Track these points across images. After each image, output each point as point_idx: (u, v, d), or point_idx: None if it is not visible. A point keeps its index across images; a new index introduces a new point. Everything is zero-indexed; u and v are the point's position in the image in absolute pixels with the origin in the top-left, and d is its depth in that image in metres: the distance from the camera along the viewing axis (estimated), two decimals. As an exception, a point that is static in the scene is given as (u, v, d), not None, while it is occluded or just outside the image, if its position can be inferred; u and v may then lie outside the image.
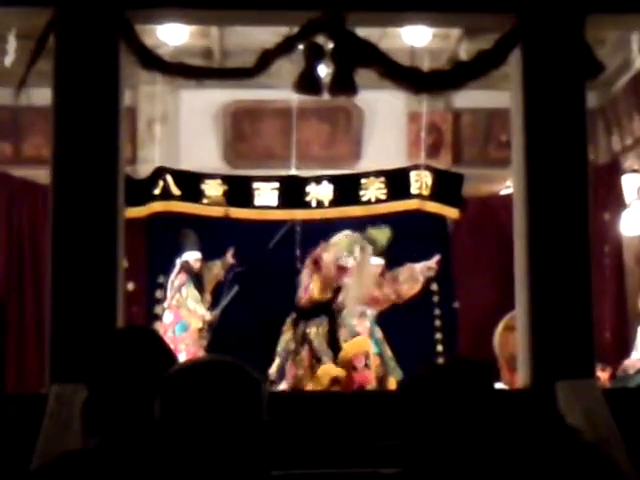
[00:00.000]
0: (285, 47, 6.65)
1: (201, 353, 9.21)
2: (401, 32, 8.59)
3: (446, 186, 10.03)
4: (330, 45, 6.68)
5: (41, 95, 6.96)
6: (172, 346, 2.50)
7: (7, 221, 10.14)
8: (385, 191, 10.06)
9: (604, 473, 2.24)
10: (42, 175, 8.19)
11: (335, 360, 9.13)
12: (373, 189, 10.06)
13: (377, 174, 10.10)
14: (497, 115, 10.06)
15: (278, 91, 8.95)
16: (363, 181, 10.10)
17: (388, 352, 9.52)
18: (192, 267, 9.82)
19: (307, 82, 6.73)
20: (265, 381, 8.69)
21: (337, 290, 9.56)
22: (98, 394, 2.23)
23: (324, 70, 6.85)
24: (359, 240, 9.64)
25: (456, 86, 7.09)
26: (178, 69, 6.97)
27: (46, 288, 6.93)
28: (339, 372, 8.82)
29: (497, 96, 8.97)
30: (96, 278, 6.44)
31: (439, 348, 10.15)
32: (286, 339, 9.47)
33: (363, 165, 10.57)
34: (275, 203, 10.02)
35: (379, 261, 9.87)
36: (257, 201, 10.04)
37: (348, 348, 9.13)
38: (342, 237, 9.63)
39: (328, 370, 8.92)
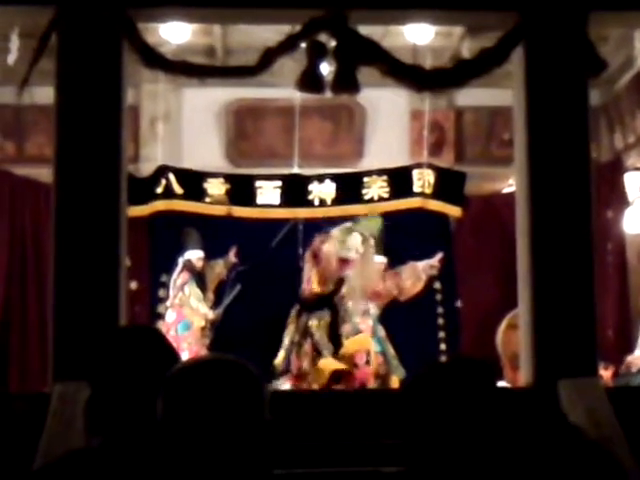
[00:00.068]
0: (288, 45, 6.64)
1: (203, 352, 9.20)
2: (403, 30, 8.60)
3: (448, 184, 10.04)
4: (333, 43, 6.67)
5: (43, 94, 6.95)
6: (175, 345, 2.49)
7: (10, 220, 10.13)
8: (388, 189, 10.06)
9: (607, 471, 2.24)
10: (45, 174, 8.18)
11: (336, 354, 9.13)
12: (376, 187, 10.06)
13: (379, 172, 10.10)
14: (500, 113, 10.05)
15: (281, 89, 8.95)
16: (366, 179, 10.11)
17: (391, 350, 9.50)
18: (195, 266, 9.81)
19: (310, 80, 6.72)
20: (268, 378, 8.68)
21: (339, 283, 9.55)
22: (101, 393, 2.23)
23: (327, 68, 6.85)
24: (352, 230, 9.60)
25: (459, 84, 7.09)
26: (181, 67, 6.96)
27: (49, 287, 6.93)
28: (339, 366, 8.81)
29: (500, 94, 8.97)
30: (99, 277, 6.44)
31: (442, 346, 10.12)
32: (291, 331, 9.48)
33: (366, 163, 10.56)
34: (277, 202, 10.03)
35: (381, 259, 9.86)
36: (259, 200, 10.05)
37: (349, 345, 9.14)
38: (337, 229, 9.61)
39: (328, 364, 8.91)
